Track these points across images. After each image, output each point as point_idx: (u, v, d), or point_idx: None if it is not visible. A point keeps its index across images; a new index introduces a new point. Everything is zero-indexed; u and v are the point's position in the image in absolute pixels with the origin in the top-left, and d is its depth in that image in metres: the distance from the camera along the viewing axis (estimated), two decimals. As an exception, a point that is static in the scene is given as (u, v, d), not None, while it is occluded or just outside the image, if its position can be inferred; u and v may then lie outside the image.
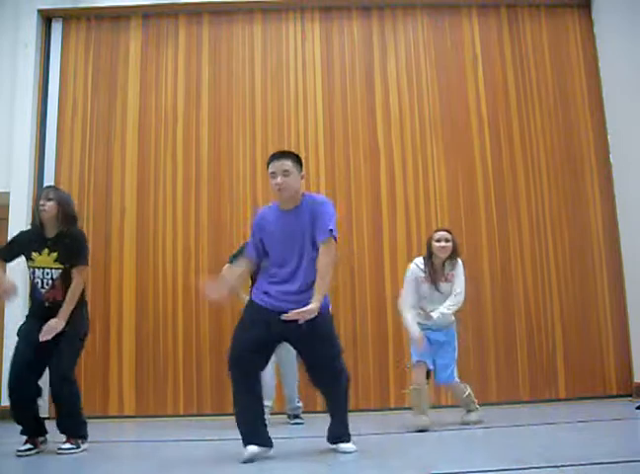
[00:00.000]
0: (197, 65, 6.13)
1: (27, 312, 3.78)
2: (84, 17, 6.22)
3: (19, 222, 5.41)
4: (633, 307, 5.60)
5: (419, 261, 4.31)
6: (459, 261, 4.30)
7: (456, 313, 4.30)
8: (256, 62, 6.14)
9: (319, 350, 3.24)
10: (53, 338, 3.51)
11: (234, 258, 4.72)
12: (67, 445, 3.52)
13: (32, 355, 3.53)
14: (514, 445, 3.41)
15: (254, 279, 4.66)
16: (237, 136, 5.98)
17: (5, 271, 3.68)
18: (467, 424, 4.25)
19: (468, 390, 4.37)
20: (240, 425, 3.17)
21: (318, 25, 6.21)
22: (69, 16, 6.21)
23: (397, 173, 5.93)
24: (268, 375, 4.67)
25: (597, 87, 6.05)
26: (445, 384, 4.38)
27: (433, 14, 6.23)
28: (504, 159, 5.97)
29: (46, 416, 5.44)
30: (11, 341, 3.84)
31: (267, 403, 4.76)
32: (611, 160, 5.90)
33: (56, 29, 6.21)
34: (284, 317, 3.01)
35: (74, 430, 3.60)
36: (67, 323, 3.56)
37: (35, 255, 3.63)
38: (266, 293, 3.25)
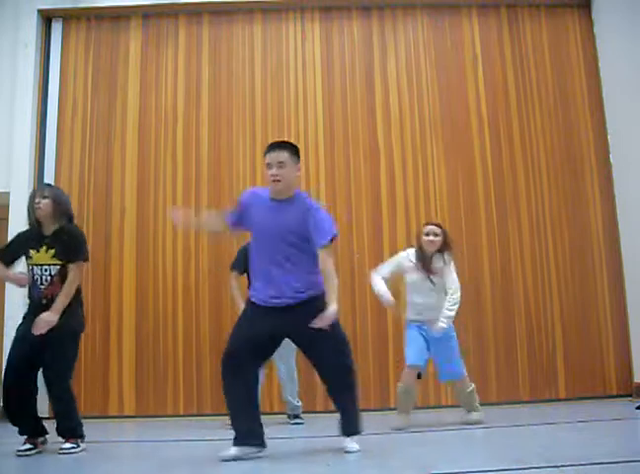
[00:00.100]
0: (197, 65, 6.13)
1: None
2: (84, 17, 6.22)
3: (19, 222, 5.38)
4: (633, 307, 5.60)
5: (410, 251, 4.34)
6: (447, 256, 4.27)
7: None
8: (256, 62, 6.14)
9: (324, 346, 3.22)
10: (49, 337, 3.48)
11: (235, 265, 4.75)
12: (68, 445, 3.51)
13: (28, 354, 3.52)
14: (514, 445, 3.41)
15: (238, 268, 4.70)
16: (237, 136, 5.98)
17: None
18: (468, 423, 4.24)
19: (472, 386, 4.33)
20: (232, 423, 3.18)
21: (318, 25, 6.21)
22: (69, 16, 6.21)
23: (397, 173, 5.93)
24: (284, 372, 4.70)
25: (597, 87, 6.05)
26: (454, 380, 4.33)
27: (433, 14, 6.23)
28: (504, 159, 5.97)
29: (46, 416, 5.47)
30: (10, 340, 3.84)
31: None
32: (611, 160, 5.90)
33: (56, 29, 6.21)
34: (312, 325, 3.03)
35: (73, 430, 3.58)
36: (62, 322, 3.52)
37: (33, 252, 3.63)
38: (257, 289, 3.25)
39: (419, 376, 4.25)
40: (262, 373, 4.54)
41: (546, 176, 5.94)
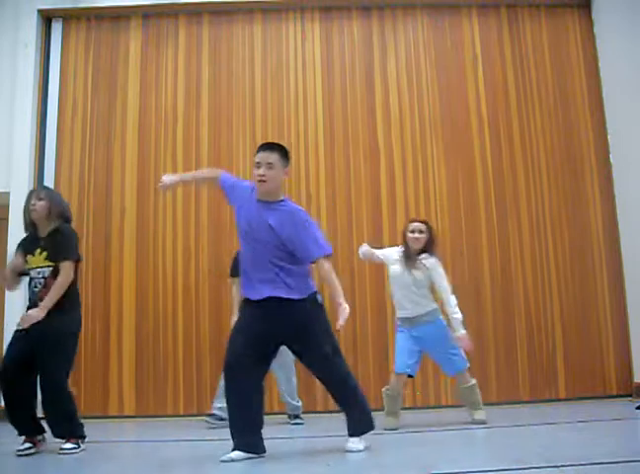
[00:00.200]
0: (197, 65, 6.13)
1: None
2: (84, 17, 6.22)
3: (19, 222, 5.34)
4: (633, 307, 5.60)
5: (400, 248, 4.38)
6: (433, 259, 4.25)
7: (439, 303, 4.31)
8: (256, 62, 6.14)
9: (313, 347, 3.23)
10: (45, 338, 3.47)
11: (233, 271, 4.77)
12: (69, 445, 3.51)
13: (25, 356, 3.52)
14: (514, 445, 3.41)
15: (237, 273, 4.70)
16: (237, 136, 5.98)
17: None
18: (479, 423, 4.18)
19: (473, 382, 4.31)
20: (231, 427, 3.16)
21: (318, 25, 6.21)
22: (69, 16, 6.21)
23: (397, 173, 5.93)
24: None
25: (597, 87, 6.05)
26: (454, 375, 4.34)
27: (433, 14, 6.23)
28: (504, 159, 5.97)
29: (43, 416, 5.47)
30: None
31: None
32: (611, 160, 5.90)
33: (56, 29, 6.21)
34: (339, 327, 3.08)
35: (73, 431, 3.58)
36: (58, 323, 3.51)
37: (29, 257, 3.64)
38: (246, 287, 3.26)
39: (410, 376, 4.26)
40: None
41: (546, 176, 5.95)
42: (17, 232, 3.90)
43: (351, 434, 3.30)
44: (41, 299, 3.56)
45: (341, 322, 3.09)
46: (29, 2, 6.06)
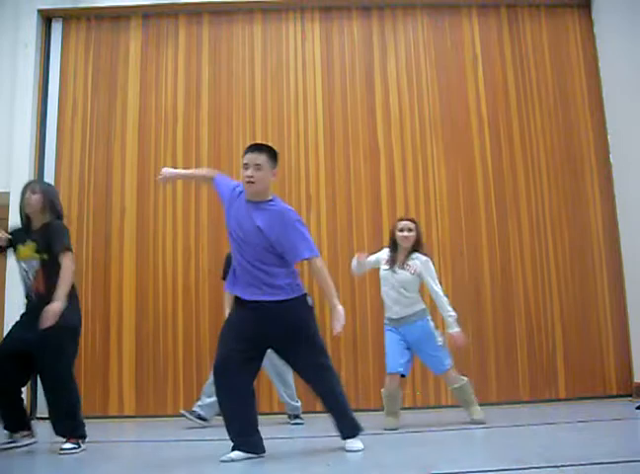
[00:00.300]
0: (197, 65, 6.13)
1: None
2: (84, 17, 6.22)
3: (19, 222, 5.40)
4: (633, 307, 5.60)
5: (387, 249, 4.39)
6: (425, 258, 4.28)
7: (427, 303, 4.37)
8: (256, 62, 6.14)
9: (302, 351, 3.22)
10: (47, 335, 3.45)
11: (225, 273, 4.78)
12: (69, 445, 3.50)
13: (18, 351, 3.51)
14: (514, 445, 3.41)
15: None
16: (237, 136, 5.98)
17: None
18: (478, 423, 4.17)
19: (464, 381, 4.30)
20: (228, 428, 3.15)
21: (318, 25, 6.21)
22: (69, 16, 6.21)
23: (397, 173, 5.93)
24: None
25: (597, 87, 6.05)
26: (440, 375, 4.34)
27: (433, 14, 6.23)
28: (504, 159, 5.97)
29: (44, 416, 5.47)
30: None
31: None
32: (611, 160, 5.90)
33: (56, 29, 6.21)
34: (336, 333, 3.12)
35: (74, 430, 3.57)
36: (59, 319, 3.49)
37: (19, 247, 3.65)
38: (234, 285, 3.25)
39: (403, 375, 4.27)
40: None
41: (546, 176, 5.95)
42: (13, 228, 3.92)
43: (346, 437, 3.30)
44: (37, 290, 3.56)
45: (338, 328, 3.11)
46: (29, 2, 6.06)
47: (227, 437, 3.14)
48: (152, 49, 6.17)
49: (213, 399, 4.73)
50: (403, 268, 4.25)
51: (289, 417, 4.86)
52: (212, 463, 3.07)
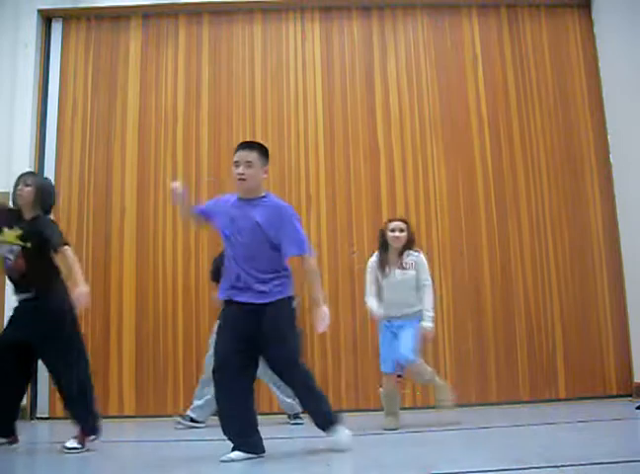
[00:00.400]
0: (197, 65, 6.13)
1: None
2: (84, 17, 6.22)
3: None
4: (633, 307, 5.60)
5: (376, 254, 4.35)
6: (420, 254, 4.31)
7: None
8: (256, 62, 6.14)
9: (277, 344, 3.16)
10: (44, 331, 3.47)
11: (214, 275, 4.81)
12: (73, 444, 3.47)
13: (8, 336, 3.54)
14: (514, 445, 3.41)
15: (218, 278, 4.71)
16: (237, 136, 5.97)
17: None
18: (445, 409, 4.22)
19: (430, 370, 4.28)
20: (226, 428, 3.13)
21: (318, 25, 6.21)
22: (69, 16, 6.21)
23: (397, 173, 5.93)
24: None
25: (597, 87, 6.05)
26: (407, 365, 4.18)
27: (433, 14, 6.23)
28: (504, 159, 5.97)
29: (44, 416, 5.48)
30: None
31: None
32: (611, 160, 5.90)
33: (56, 29, 6.21)
34: (320, 331, 3.12)
35: (85, 422, 3.54)
36: (41, 312, 3.52)
37: (5, 229, 3.64)
38: (229, 288, 3.24)
39: (399, 375, 4.26)
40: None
41: (546, 176, 5.94)
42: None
43: (328, 429, 3.24)
44: (18, 268, 3.55)
45: (322, 328, 3.11)
46: (29, 2, 6.06)
47: (227, 438, 3.13)
48: (152, 49, 6.17)
49: (203, 401, 4.74)
50: (402, 268, 4.24)
51: (289, 417, 4.86)
52: (212, 463, 3.06)
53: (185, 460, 3.34)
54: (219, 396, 3.14)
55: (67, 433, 3.57)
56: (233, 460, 3.02)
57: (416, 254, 4.30)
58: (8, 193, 5.66)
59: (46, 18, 6.18)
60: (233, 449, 3.08)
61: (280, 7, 6.22)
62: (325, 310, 3.16)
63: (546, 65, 6.15)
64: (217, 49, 6.18)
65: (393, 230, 4.28)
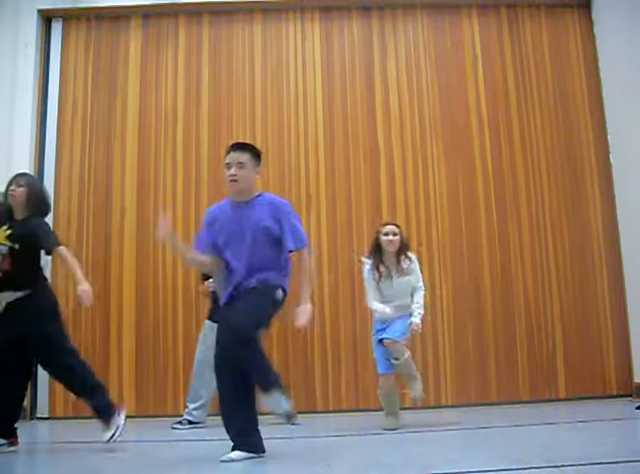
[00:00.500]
0: (197, 65, 6.14)
1: None
2: (84, 17, 6.22)
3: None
4: (633, 307, 5.60)
5: (367, 260, 4.32)
6: (414, 256, 4.33)
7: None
8: (256, 62, 6.14)
9: (237, 309, 3.06)
10: (21, 327, 3.48)
11: (202, 276, 4.84)
12: (107, 435, 3.50)
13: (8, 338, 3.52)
14: (514, 445, 3.41)
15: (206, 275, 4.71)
16: (237, 136, 5.97)
17: None
18: (418, 399, 4.22)
19: (408, 353, 4.24)
20: (228, 429, 3.11)
21: (318, 25, 6.21)
22: (69, 16, 6.21)
23: (397, 173, 5.93)
24: None
25: (597, 87, 6.05)
26: (388, 341, 4.16)
27: (433, 14, 6.23)
28: (504, 159, 5.97)
29: (45, 416, 5.48)
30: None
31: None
32: (611, 160, 5.90)
33: (56, 29, 6.21)
34: (300, 326, 3.06)
35: (101, 407, 3.56)
36: (32, 310, 3.52)
37: None
38: (233, 290, 3.19)
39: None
40: None
41: (546, 176, 5.94)
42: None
43: (265, 391, 3.05)
44: (2, 268, 3.54)
45: (300, 323, 3.06)
46: (29, 2, 6.06)
47: (227, 437, 3.13)
48: (152, 49, 6.17)
49: (199, 404, 4.74)
50: (403, 274, 4.23)
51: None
52: (212, 463, 3.06)
53: (185, 460, 3.34)
54: (221, 393, 3.13)
55: (67, 432, 3.57)
56: (233, 460, 3.02)
57: (413, 257, 4.31)
58: (8, 193, 5.71)
59: (46, 18, 6.18)
60: (233, 449, 3.07)
61: (279, 7, 6.22)
62: (310, 307, 3.12)
63: (546, 65, 6.15)
64: (217, 49, 6.18)
65: (387, 234, 4.27)
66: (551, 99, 6.09)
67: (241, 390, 3.12)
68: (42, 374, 4.23)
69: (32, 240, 3.58)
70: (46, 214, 3.78)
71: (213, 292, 4.78)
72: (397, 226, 4.35)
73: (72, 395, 3.66)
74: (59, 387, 4.33)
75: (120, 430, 3.54)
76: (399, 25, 6.23)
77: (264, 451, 3.11)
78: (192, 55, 6.16)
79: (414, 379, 4.28)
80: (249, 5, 6.20)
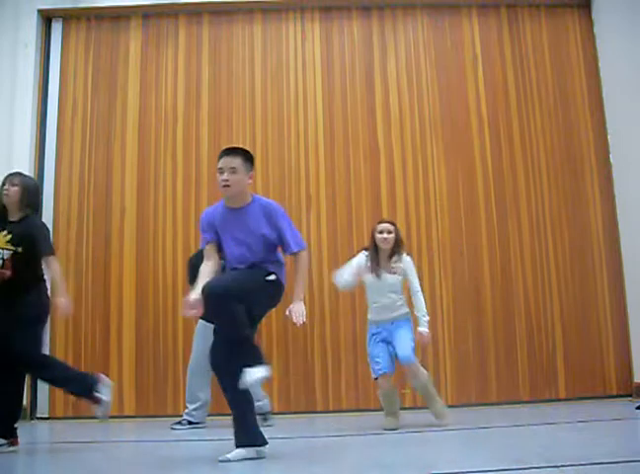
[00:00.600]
0: (197, 65, 6.13)
1: None
2: (84, 17, 6.22)
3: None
4: (633, 307, 5.60)
5: (366, 252, 4.35)
6: (408, 257, 4.31)
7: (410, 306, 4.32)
8: (256, 62, 6.14)
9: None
10: (8, 323, 3.49)
11: (191, 277, 4.82)
12: (97, 413, 3.52)
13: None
14: (514, 445, 3.41)
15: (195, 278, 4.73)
16: (237, 136, 5.97)
17: None
18: (440, 418, 4.17)
19: (426, 373, 4.26)
20: (244, 425, 3.09)
21: (318, 25, 6.21)
22: (69, 16, 6.21)
23: (397, 173, 5.93)
24: None
25: (597, 87, 6.05)
26: (406, 365, 4.20)
27: (433, 14, 6.23)
28: (504, 159, 5.97)
29: (44, 416, 5.47)
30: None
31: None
32: (611, 160, 5.89)
33: (56, 29, 6.21)
34: (299, 324, 3.07)
35: (78, 389, 3.59)
36: (20, 307, 3.52)
37: None
38: None
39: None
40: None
41: (546, 176, 5.94)
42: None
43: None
44: (3, 276, 3.54)
45: (296, 320, 3.07)
46: (29, 2, 6.05)
47: (227, 438, 3.13)
48: (152, 49, 6.17)
49: (198, 403, 4.72)
50: (389, 272, 4.25)
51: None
52: (212, 463, 3.06)
53: (185, 460, 3.34)
54: (224, 388, 3.12)
55: (67, 432, 3.57)
56: (230, 460, 3.02)
57: (407, 259, 4.30)
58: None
59: (46, 18, 6.18)
60: (238, 446, 3.06)
61: (279, 7, 6.22)
62: (302, 304, 3.13)
63: (546, 65, 6.15)
64: (217, 49, 6.18)
65: (381, 232, 4.28)
66: (551, 99, 6.09)
67: (236, 377, 3.08)
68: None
69: (31, 240, 3.58)
70: (37, 211, 3.80)
71: None
72: (393, 224, 4.35)
73: (72, 395, 3.66)
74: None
75: (107, 402, 3.55)
76: (399, 25, 6.23)
77: (264, 443, 3.08)
78: (192, 55, 6.16)
79: (433, 399, 4.27)
80: (249, 5, 6.20)
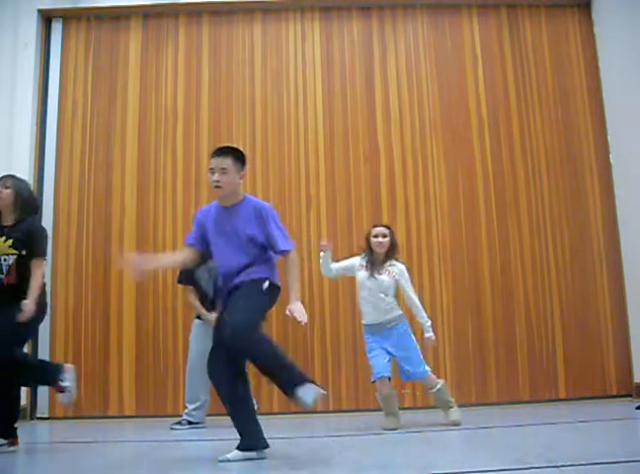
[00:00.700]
0: (197, 65, 6.14)
1: None
2: (84, 17, 6.22)
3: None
4: (633, 307, 5.60)
5: (362, 255, 4.40)
6: (402, 266, 4.33)
7: (403, 308, 4.35)
8: (256, 62, 6.14)
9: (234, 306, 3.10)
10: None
11: (182, 278, 4.91)
12: (62, 399, 3.57)
13: None
14: (514, 445, 3.41)
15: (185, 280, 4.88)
16: (237, 136, 5.98)
17: None
18: (454, 424, 4.18)
19: (441, 383, 4.29)
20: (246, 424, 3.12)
21: (318, 25, 6.21)
22: (69, 16, 6.21)
23: (397, 173, 5.93)
24: None
25: (597, 87, 6.05)
26: (420, 381, 4.31)
27: (433, 14, 6.23)
28: (504, 159, 5.97)
29: (44, 416, 5.47)
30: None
31: None
32: (611, 160, 5.90)
33: (56, 29, 6.21)
34: (304, 322, 3.07)
35: (47, 380, 3.63)
36: (18, 309, 3.49)
37: None
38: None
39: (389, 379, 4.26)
40: None
41: (546, 176, 5.94)
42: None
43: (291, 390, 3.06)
44: (7, 284, 3.54)
45: (299, 318, 3.08)
46: (29, 2, 6.05)
47: (227, 438, 3.13)
48: (152, 49, 6.17)
49: (198, 403, 4.72)
50: (381, 273, 4.26)
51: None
52: (212, 463, 3.06)
53: (184, 460, 3.34)
54: (227, 399, 3.13)
55: (67, 432, 3.57)
56: (230, 460, 3.02)
57: (401, 266, 4.32)
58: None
59: (46, 18, 6.18)
60: (238, 448, 3.06)
61: (279, 7, 6.22)
62: (300, 303, 3.15)
63: (546, 65, 6.15)
64: (217, 49, 6.18)
65: (376, 236, 4.32)
66: (551, 99, 6.09)
67: (234, 386, 3.11)
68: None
69: (32, 242, 3.58)
70: (36, 212, 3.80)
71: (199, 289, 4.80)
72: (388, 228, 4.38)
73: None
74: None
75: (71, 388, 3.57)
76: (399, 25, 6.23)
77: (266, 446, 3.08)
78: (192, 55, 6.16)
79: (449, 406, 4.29)
80: (249, 5, 6.20)
